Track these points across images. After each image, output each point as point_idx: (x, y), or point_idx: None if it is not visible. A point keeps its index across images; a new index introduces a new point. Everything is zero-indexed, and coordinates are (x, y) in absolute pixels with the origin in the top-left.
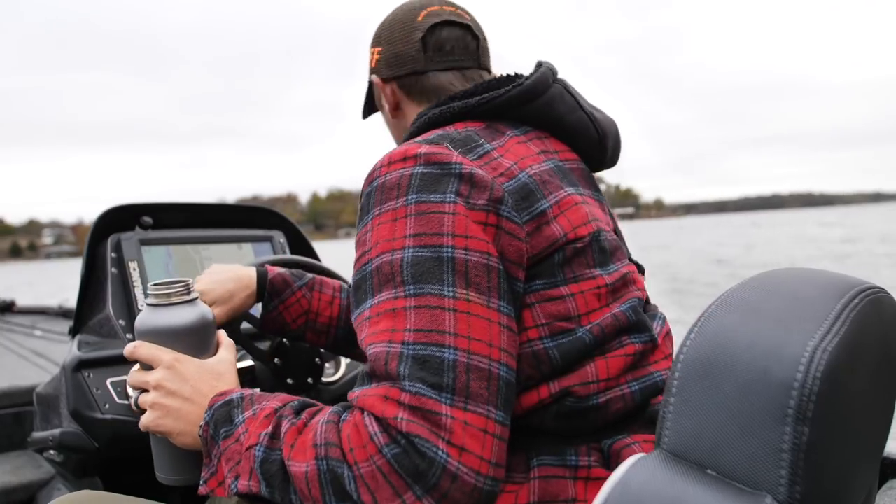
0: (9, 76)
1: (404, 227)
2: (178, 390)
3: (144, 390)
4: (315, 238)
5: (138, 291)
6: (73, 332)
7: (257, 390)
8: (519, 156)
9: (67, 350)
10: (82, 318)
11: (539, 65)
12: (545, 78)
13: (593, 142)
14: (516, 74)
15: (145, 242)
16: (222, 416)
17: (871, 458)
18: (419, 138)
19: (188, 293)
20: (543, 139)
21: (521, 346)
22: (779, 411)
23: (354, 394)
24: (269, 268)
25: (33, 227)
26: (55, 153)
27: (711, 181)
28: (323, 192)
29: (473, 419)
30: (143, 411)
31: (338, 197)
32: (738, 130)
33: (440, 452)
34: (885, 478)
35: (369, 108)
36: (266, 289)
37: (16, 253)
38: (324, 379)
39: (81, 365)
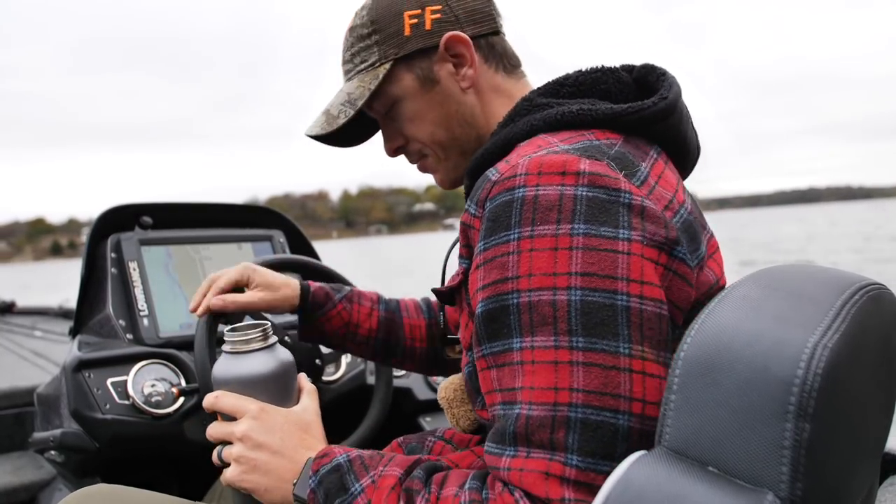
0: (49, 80)
1: (568, 261)
2: (265, 442)
3: (227, 442)
4: (346, 235)
5: (138, 291)
6: (74, 333)
7: (359, 452)
8: (672, 185)
9: (68, 350)
10: (82, 318)
11: (653, 69)
12: (680, 90)
13: (693, 162)
14: (605, 68)
15: (145, 242)
16: (334, 483)
17: (872, 454)
18: (561, 143)
19: (267, 338)
20: (669, 162)
21: None
22: (780, 408)
23: (503, 462)
24: (311, 282)
25: (73, 226)
26: (94, 154)
27: (744, 175)
28: (354, 190)
29: None
30: (226, 465)
31: (368, 194)
32: (771, 122)
33: None
34: (886, 474)
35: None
36: (308, 300)
37: (56, 251)
38: (324, 378)
39: (82, 365)
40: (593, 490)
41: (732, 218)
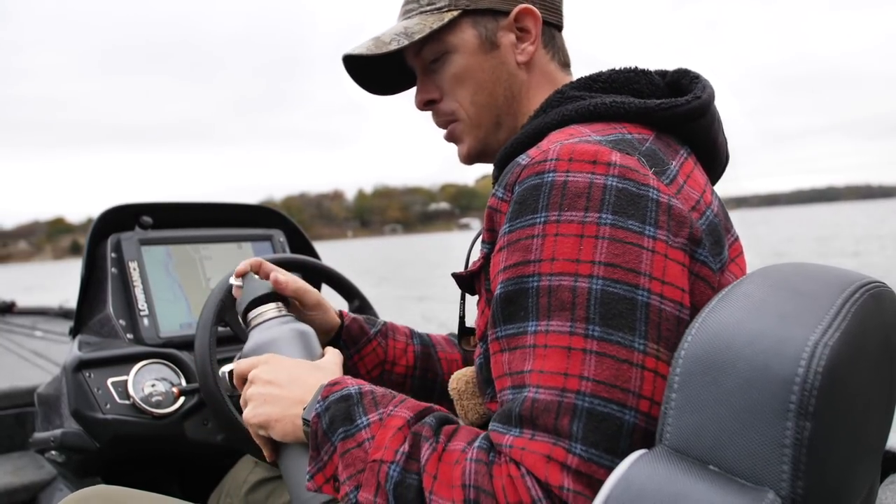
0: (70, 84)
1: (593, 249)
2: (274, 378)
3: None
4: (361, 235)
5: (138, 291)
6: (74, 333)
7: (372, 387)
8: (700, 186)
9: (68, 350)
10: (82, 318)
11: (686, 72)
12: (713, 93)
13: (721, 168)
14: (638, 69)
15: (145, 242)
16: (340, 412)
17: (872, 452)
18: (593, 133)
19: (280, 310)
20: (698, 164)
21: None
22: (780, 406)
23: (505, 440)
24: (345, 313)
25: None
26: (113, 154)
27: (762, 173)
28: (369, 189)
29: None
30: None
31: (383, 193)
32: (788, 120)
33: None
34: (886, 472)
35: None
36: (342, 336)
37: (76, 250)
38: None
39: (82, 365)
40: (593, 483)
41: (757, 217)
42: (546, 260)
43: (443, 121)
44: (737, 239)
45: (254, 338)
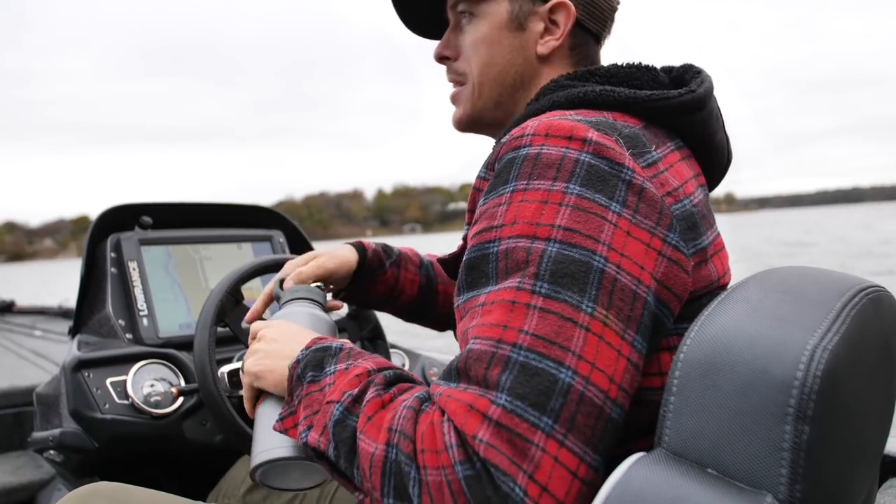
0: (94, 85)
1: (555, 214)
2: (278, 336)
3: None
4: (380, 233)
5: (138, 291)
6: (73, 332)
7: (353, 346)
8: (683, 177)
9: (67, 350)
10: (82, 317)
11: (690, 67)
12: (712, 88)
13: (721, 167)
14: (642, 65)
15: (145, 242)
16: (315, 359)
17: (871, 456)
18: (576, 115)
19: (311, 303)
20: (690, 158)
21: (639, 392)
22: (779, 410)
23: (438, 389)
24: (366, 244)
25: None
26: (135, 154)
27: (785, 174)
28: (388, 189)
29: (566, 457)
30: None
31: (402, 193)
32: (810, 121)
33: (517, 489)
34: (885, 476)
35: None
36: (365, 267)
37: None
38: None
39: (81, 365)
40: (513, 439)
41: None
42: (507, 224)
43: (453, 79)
44: (719, 235)
45: (277, 313)
